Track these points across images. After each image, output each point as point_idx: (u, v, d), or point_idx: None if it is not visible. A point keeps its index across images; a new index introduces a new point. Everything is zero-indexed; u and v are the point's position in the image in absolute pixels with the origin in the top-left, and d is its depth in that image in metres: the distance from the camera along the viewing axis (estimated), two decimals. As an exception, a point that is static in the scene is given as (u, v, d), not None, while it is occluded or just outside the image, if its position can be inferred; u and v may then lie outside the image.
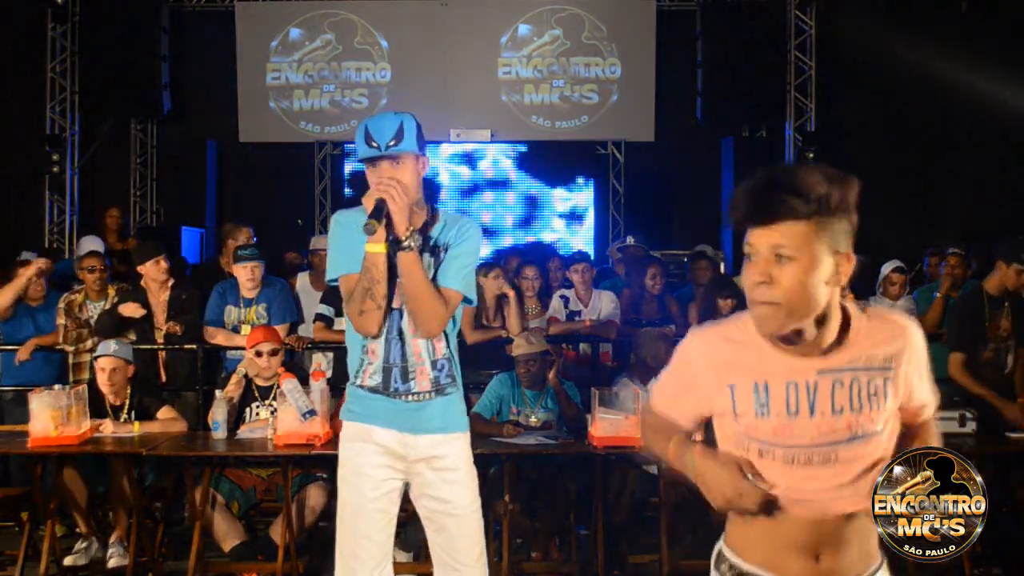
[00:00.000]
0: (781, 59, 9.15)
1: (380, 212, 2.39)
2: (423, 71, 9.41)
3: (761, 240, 1.56)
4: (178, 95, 9.50)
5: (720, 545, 1.75)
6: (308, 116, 9.55)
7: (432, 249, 2.56)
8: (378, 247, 2.42)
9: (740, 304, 5.58)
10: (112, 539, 4.42)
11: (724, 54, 8.95)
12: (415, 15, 9.45)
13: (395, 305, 2.54)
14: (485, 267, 5.65)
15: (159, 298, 5.25)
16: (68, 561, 4.39)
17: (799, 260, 1.54)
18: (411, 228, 2.43)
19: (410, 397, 2.56)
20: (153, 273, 5.20)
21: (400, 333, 2.55)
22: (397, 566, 4.27)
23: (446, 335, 2.58)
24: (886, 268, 5.71)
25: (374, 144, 2.45)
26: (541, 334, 4.94)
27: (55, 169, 9.05)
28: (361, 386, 2.59)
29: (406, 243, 2.42)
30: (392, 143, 2.45)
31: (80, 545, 4.46)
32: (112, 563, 4.35)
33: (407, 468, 2.60)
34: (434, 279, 2.52)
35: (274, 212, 9.38)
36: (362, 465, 2.59)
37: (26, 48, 9.33)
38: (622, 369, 5.08)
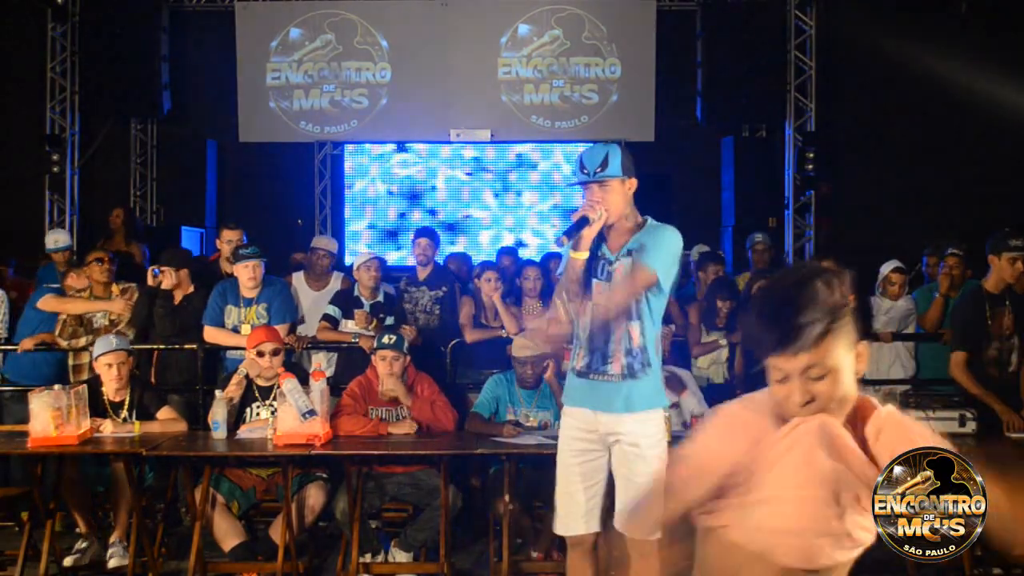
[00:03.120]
0: (781, 59, 9.14)
1: (577, 227, 2.95)
2: (423, 71, 9.40)
3: (791, 365, 1.62)
4: (178, 95, 9.49)
5: None
6: (308, 116, 9.54)
7: (628, 251, 3.03)
8: (578, 254, 2.99)
9: (738, 307, 5.61)
10: (112, 539, 4.42)
11: (724, 54, 8.94)
12: (415, 15, 9.43)
13: (599, 301, 3.03)
14: (480, 268, 5.68)
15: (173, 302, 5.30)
16: (68, 561, 4.39)
17: (832, 374, 1.61)
18: (584, 246, 2.97)
19: (604, 377, 3.02)
20: (174, 279, 5.25)
21: (603, 323, 3.02)
22: (397, 566, 4.31)
23: (642, 323, 2.99)
24: (885, 268, 5.71)
25: (585, 171, 3.02)
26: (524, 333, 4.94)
27: (55, 169, 9.04)
28: (573, 368, 3.11)
29: (578, 253, 2.98)
30: (599, 170, 3.01)
31: (80, 545, 4.46)
32: (112, 563, 4.36)
33: (601, 439, 3.07)
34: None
35: (274, 212, 9.38)
36: (565, 437, 3.13)
37: (26, 48, 9.32)
38: None
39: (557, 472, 3.15)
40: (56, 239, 6.27)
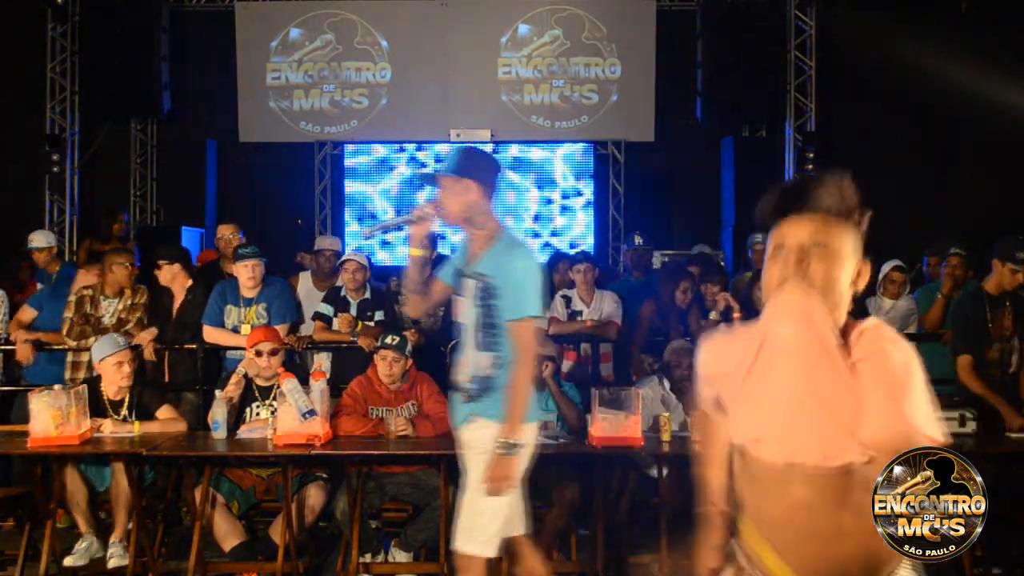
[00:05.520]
0: (781, 59, 9.15)
1: (386, 224, 3.06)
2: (423, 71, 9.41)
3: (794, 233, 1.57)
4: (178, 95, 9.50)
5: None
6: (308, 116, 9.55)
7: (475, 274, 2.94)
8: (411, 251, 3.00)
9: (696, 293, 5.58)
10: (112, 539, 4.42)
11: (724, 54, 8.94)
12: (415, 15, 9.44)
13: (455, 318, 3.02)
14: None
15: (177, 300, 5.37)
16: (68, 561, 4.38)
17: (834, 254, 1.55)
18: (415, 244, 2.97)
19: (458, 394, 3.05)
20: (176, 276, 5.33)
21: (460, 343, 3.03)
22: (397, 566, 4.31)
23: (499, 355, 2.92)
24: (886, 267, 5.71)
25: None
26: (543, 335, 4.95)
27: (55, 169, 9.04)
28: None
29: (411, 250, 3.00)
30: (437, 169, 2.98)
31: (80, 545, 4.46)
32: (112, 563, 4.35)
33: None
34: (482, 310, 2.91)
35: (274, 212, 9.39)
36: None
37: (26, 48, 9.32)
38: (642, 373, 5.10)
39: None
40: (30, 239, 6.36)
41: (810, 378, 1.53)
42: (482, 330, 2.93)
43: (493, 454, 2.84)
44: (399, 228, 3.02)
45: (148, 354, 5.09)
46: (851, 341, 1.58)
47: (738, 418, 1.64)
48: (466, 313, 2.98)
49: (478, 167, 2.94)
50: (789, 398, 1.55)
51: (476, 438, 2.95)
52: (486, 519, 2.90)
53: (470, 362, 2.97)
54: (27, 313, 5.47)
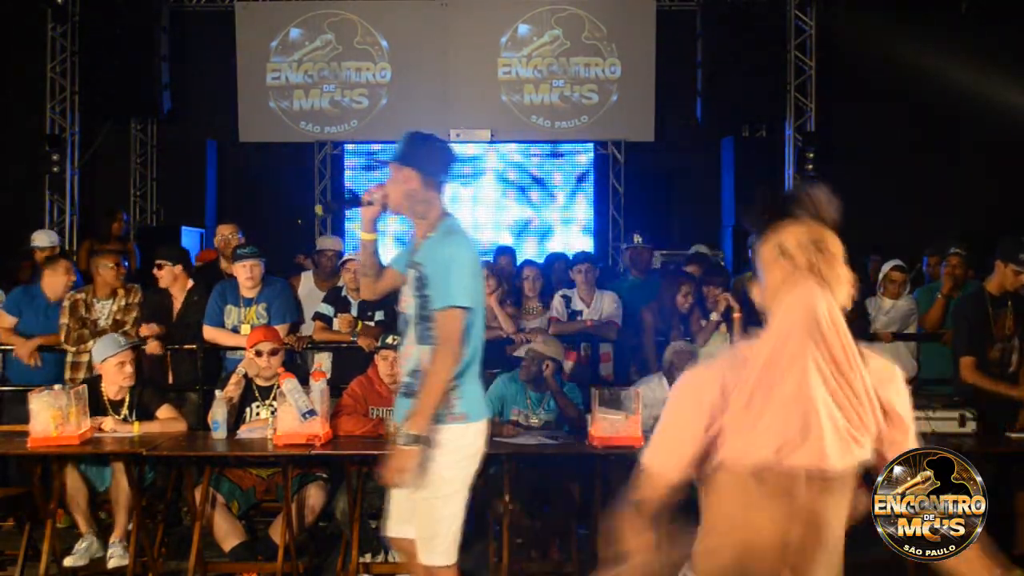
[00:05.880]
0: (781, 59, 9.15)
1: (337, 200, 3.40)
2: (423, 71, 9.41)
3: (792, 236, 1.58)
4: (178, 95, 9.50)
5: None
6: (308, 116, 9.55)
7: (413, 263, 2.87)
8: (362, 235, 3.01)
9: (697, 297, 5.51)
10: (112, 539, 4.42)
11: (724, 54, 8.95)
12: (415, 15, 9.45)
13: (402, 309, 2.91)
14: None
15: (177, 301, 5.36)
16: (68, 561, 4.38)
17: (834, 256, 1.58)
18: (365, 227, 2.97)
19: (401, 388, 2.95)
20: (177, 277, 5.32)
21: (403, 336, 2.92)
22: (397, 566, 4.31)
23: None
24: (886, 267, 5.72)
25: None
26: (546, 335, 4.95)
27: (55, 169, 9.04)
28: None
29: (362, 233, 3.01)
30: (389, 156, 2.91)
31: (80, 545, 4.46)
32: (112, 563, 4.36)
33: None
34: (419, 301, 2.83)
35: (274, 212, 9.38)
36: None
37: (26, 48, 9.32)
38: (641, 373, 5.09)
39: (461, 492, 2.90)
40: (33, 238, 6.38)
41: (840, 368, 1.52)
42: (419, 322, 2.83)
43: (394, 445, 2.77)
44: (352, 207, 3.05)
45: (152, 348, 5.07)
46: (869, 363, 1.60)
47: (755, 435, 1.57)
48: (408, 304, 2.89)
49: (420, 156, 2.85)
50: (826, 391, 1.51)
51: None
52: (444, 527, 2.83)
53: (411, 355, 2.86)
54: (6, 320, 5.38)
